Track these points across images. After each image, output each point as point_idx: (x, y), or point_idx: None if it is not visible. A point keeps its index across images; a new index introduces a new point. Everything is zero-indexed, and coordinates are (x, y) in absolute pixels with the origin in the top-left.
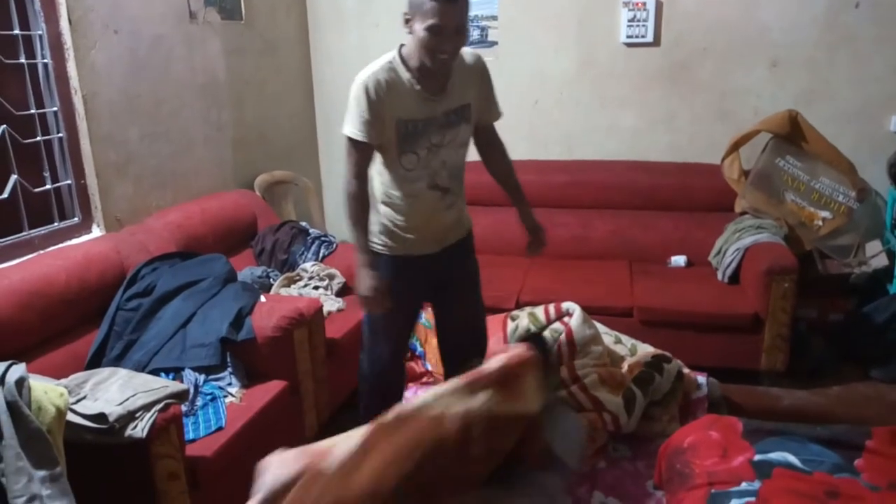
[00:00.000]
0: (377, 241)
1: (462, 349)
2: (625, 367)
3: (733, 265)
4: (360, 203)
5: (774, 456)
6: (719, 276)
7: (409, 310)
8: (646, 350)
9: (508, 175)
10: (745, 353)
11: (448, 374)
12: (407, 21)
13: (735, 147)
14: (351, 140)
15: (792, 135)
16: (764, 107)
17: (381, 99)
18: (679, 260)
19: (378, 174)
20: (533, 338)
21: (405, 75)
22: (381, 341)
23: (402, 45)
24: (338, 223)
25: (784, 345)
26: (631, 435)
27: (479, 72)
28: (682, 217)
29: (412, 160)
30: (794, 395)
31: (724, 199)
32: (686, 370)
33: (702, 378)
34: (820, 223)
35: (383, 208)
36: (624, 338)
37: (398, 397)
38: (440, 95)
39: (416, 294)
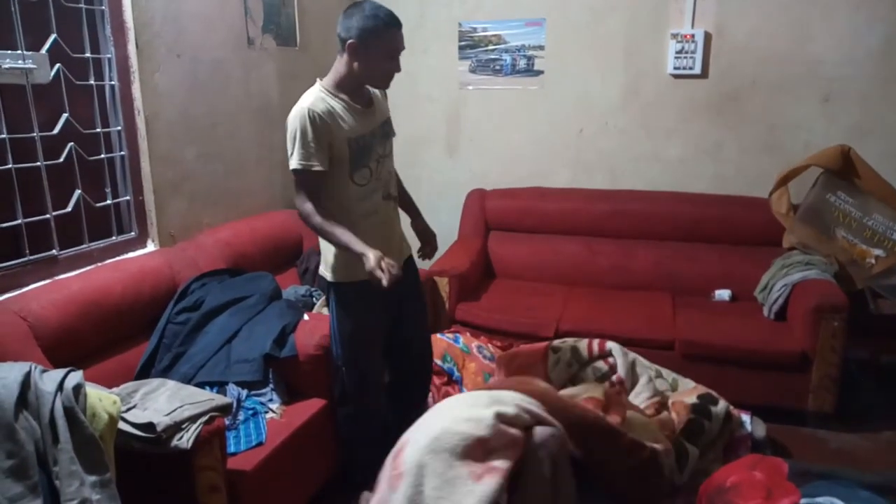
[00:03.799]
0: (340, 273)
1: (413, 372)
2: (669, 403)
3: (780, 301)
4: (322, 217)
5: (822, 500)
6: (765, 313)
7: (381, 336)
8: (686, 385)
9: (401, 188)
10: (792, 392)
11: (396, 394)
12: (354, 49)
13: (784, 181)
14: (302, 171)
15: (844, 170)
16: (815, 141)
17: (325, 123)
18: (723, 294)
19: (330, 202)
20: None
21: (337, 100)
22: (368, 384)
23: (319, 79)
24: None
25: (833, 386)
26: None
27: (381, 94)
28: (727, 250)
29: (365, 174)
30: (843, 438)
31: (772, 233)
32: (732, 409)
33: (745, 416)
34: (873, 261)
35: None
36: (665, 371)
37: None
38: (371, 109)
39: (387, 316)
